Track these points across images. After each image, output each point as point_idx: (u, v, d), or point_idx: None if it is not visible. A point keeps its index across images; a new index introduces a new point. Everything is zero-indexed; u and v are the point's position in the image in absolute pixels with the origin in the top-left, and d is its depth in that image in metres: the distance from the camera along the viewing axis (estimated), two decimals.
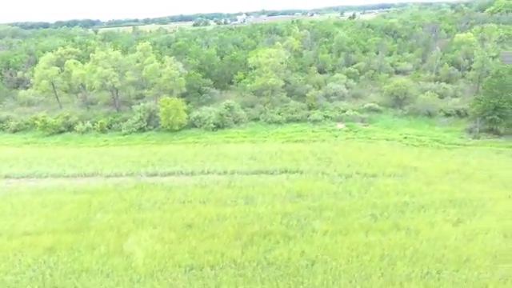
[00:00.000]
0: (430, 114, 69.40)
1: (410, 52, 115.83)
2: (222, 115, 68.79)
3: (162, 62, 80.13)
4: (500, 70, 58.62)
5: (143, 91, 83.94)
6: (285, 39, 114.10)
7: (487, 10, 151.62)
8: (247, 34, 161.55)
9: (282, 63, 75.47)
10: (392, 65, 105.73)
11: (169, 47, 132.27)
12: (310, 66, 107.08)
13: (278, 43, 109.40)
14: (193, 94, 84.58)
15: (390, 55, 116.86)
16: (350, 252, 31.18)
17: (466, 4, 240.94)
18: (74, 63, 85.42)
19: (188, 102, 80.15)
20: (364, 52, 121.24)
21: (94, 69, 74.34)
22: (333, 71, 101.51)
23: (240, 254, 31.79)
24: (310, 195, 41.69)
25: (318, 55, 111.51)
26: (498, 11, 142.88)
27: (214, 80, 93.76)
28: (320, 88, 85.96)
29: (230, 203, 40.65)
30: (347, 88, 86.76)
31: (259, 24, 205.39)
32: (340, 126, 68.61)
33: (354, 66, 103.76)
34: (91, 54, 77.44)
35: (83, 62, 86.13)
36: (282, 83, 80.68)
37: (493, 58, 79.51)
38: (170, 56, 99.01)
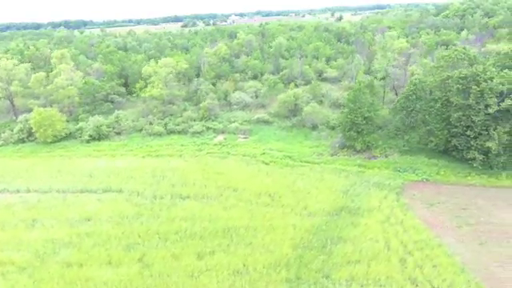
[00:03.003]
0: (313, 127, 66.90)
1: (346, 58, 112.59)
2: (98, 127, 67.48)
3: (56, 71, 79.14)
4: (358, 84, 55.85)
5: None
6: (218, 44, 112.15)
7: (442, 14, 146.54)
8: (202, 37, 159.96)
9: (169, 73, 73.62)
10: (320, 72, 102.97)
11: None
12: (242, 72, 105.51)
13: (206, 49, 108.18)
14: (98, 103, 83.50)
15: (326, 61, 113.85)
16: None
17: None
18: None
19: (88, 112, 79.24)
20: (301, 57, 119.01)
21: None
22: (255, 78, 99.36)
23: None
24: (99, 219, 40.19)
25: (249, 61, 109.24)
26: (454, 15, 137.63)
27: (132, 87, 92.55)
28: (226, 97, 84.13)
29: (10, 227, 39.31)
30: (257, 97, 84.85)
31: (223, 27, 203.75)
32: (220, 138, 66.68)
33: (282, 73, 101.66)
34: None
35: None
36: (180, 93, 79.36)
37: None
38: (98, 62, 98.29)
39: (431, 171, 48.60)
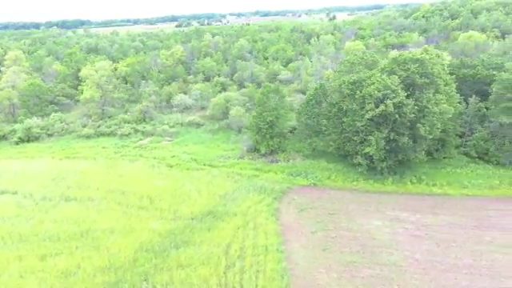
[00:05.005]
0: (239, 130, 67.42)
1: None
2: (27, 129, 68.95)
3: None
4: (266, 86, 56.32)
5: None
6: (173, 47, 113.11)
7: (413, 15, 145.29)
8: (176, 38, 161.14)
9: (103, 76, 74.75)
10: (275, 74, 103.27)
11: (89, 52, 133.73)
12: (198, 74, 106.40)
13: (163, 51, 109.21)
14: (43, 105, 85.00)
15: (287, 63, 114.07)
16: None
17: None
18: None
19: (32, 114, 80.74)
20: (265, 59, 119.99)
21: None
22: (208, 81, 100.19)
23: None
24: None
25: (207, 63, 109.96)
26: (423, 16, 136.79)
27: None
28: (169, 100, 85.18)
29: None
30: (203, 99, 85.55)
31: (203, 28, 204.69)
32: (145, 141, 67.59)
33: (235, 75, 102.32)
34: None
35: None
36: (118, 95, 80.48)
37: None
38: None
39: (323, 176, 48.95)
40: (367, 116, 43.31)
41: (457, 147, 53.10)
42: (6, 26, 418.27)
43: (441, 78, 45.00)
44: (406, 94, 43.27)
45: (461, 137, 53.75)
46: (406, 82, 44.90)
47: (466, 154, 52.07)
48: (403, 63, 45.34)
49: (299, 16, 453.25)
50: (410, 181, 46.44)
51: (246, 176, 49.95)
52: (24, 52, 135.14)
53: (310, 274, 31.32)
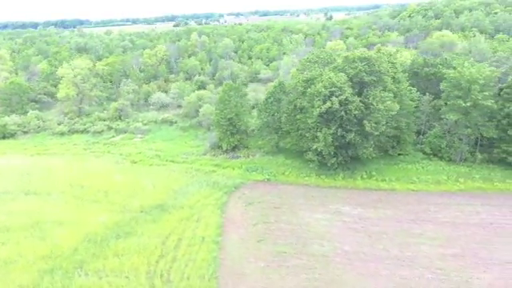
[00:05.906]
0: (209, 127, 68.72)
1: None
2: (2, 126, 70.67)
3: None
4: (227, 85, 57.63)
5: None
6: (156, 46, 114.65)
7: (400, 15, 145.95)
8: (165, 38, 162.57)
9: (78, 74, 76.28)
10: (256, 73, 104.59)
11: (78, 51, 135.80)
12: (182, 73, 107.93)
13: (147, 50, 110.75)
14: (24, 103, 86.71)
15: (270, 62, 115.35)
16: None
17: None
18: None
19: (12, 111, 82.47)
20: (249, 58, 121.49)
21: None
22: (189, 79, 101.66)
23: None
24: None
25: (190, 62, 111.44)
26: (408, 16, 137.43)
27: None
28: (147, 98, 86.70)
29: None
30: (180, 98, 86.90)
31: (192, 28, 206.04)
32: (117, 137, 69.08)
33: (217, 74, 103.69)
34: None
35: None
36: (95, 93, 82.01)
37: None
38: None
39: (278, 171, 50.22)
40: (315, 113, 44.43)
41: (415, 144, 54.24)
42: (5, 26, 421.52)
43: (388, 75, 46.05)
44: (354, 92, 44.43)
45: (419, 134, 54.89)
46: (356, 80, 46.00)
47: (422, 151, 53.11)
48: (352, 61, 46.41)
49: (297, 16, 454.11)
50: (361, 176, 47.62)
51: (204, 172, 51.33)
52: (14, 51, 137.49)
53: (238, 263, 32.62)
